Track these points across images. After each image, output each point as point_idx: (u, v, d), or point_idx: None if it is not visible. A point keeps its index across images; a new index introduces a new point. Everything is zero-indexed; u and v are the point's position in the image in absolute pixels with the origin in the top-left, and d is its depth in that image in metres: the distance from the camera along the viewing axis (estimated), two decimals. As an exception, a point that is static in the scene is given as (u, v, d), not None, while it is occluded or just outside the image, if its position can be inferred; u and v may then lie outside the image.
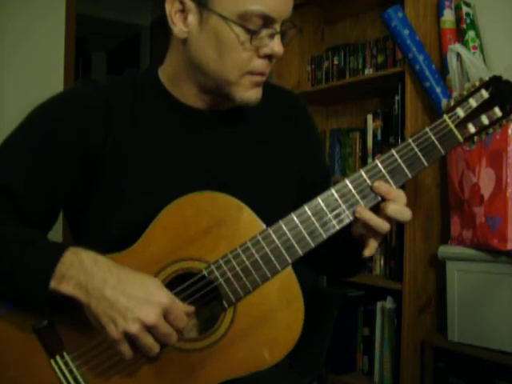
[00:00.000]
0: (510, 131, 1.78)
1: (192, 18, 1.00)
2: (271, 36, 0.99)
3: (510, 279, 1.83)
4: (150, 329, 0.88)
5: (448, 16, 2.15)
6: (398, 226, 2.27)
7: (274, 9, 0.97)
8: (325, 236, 0.97)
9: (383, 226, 0.99)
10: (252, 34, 0.97)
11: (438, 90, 2.06)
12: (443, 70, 2.11)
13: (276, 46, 0.99)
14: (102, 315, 0.88)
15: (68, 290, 0.90)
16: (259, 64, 1.01)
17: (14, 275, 0.92)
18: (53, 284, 0.90)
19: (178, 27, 1.01)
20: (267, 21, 0.97)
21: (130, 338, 0.89)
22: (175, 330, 0.90)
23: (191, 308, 0.94)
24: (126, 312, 0.87)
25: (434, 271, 2.21)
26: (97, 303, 0.88)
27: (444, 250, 2.03)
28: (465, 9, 2.13)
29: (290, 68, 2.86)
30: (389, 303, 2.34)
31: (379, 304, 2.37)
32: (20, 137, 1.04)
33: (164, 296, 0.90)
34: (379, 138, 2.50)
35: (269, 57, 1.01)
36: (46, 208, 1.04)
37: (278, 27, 0.99)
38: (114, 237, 1.00)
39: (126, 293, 0.89)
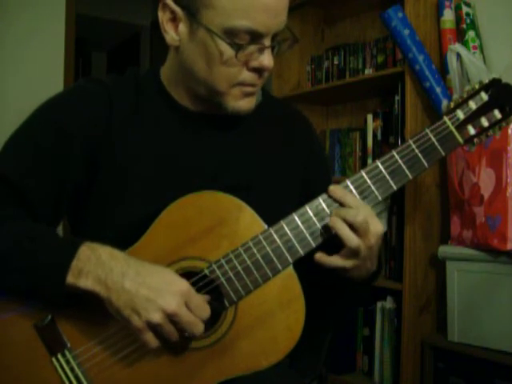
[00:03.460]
0: (510, 131, 1.78)
1: (183, 28, 0.99)
2: (260, 50, 0.97)
3: (510, 279, 1.83)
4: (171, 317, 0.89)
5: (448, 16, 2.15)
6: (398, 226, 2.27)
7: (263, 24, 0.95)
8: (326, 236, 0.98)
9: (350, 238, 0.95)
10: (237, 49, 0.95)
11: (438, 90, 2.06)
12: (443, 70, 2.12)
13: (266, 60, 0.98)
14: (123, 308, 0.89)
15: (87, 284, 0.90)
16: (248, 76, 1.00)
17: (28, 271, 0.92)
18: (70, 279, 0.91)
19: (169, 35, 1.01)
20: (255, 36, 0.95)
21: (153, 328, 0.90)
22: (199, 320, 0.91)
23: (205, 296, 0.95)
24: (148, 302, 0.89)
25: (434, 271, 2.21)
26: (117, 296, 0.89)
27: (444, 250, 2.03)
28: (465, 9, 2.13)
29: (289, 68, 2.87)
30: (389, 303, 2.34)
31: (379, 304, 2.37)
32: (26, 133, 1.04)
33: (182, 284, 0.91)
34: (379, 137, 2.50)
35: (259, 70, 1.00)
36: (53, 205, 1.04)
37: (267, 41, 0.97)
38: (116, 237, 1.00)
39: (146, 284, 0.90)
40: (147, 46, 4.79)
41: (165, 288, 0.90)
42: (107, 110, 1.04)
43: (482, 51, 2.13)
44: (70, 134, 1.02)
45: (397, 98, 2.31)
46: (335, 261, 0.98)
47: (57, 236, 0.99)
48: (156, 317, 0.88)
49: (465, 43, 2.10)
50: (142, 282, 0.90)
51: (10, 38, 2.69)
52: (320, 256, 0.98)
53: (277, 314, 0.97)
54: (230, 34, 0.95)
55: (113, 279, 0.90)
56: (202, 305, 0.92)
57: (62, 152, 1.02)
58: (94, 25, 4.62)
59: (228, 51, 0.96)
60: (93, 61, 5.75)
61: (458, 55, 1.97)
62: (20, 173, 1.00)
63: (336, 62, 2.75)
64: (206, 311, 0.92)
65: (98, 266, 0.91)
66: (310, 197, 1.00)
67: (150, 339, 0.91)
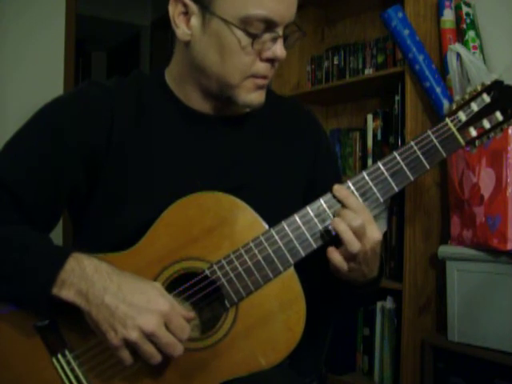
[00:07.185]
0: (510, 131, 1.78)
1: (195, 21, 1.00)
2: (273, 40, 0.99)
3: (510, 279, 1.83)
4: (149, 336, 0.88)
5: (448, 16, 2.15)
6: (398, 226, 2.27)
7: (277, 13, 0.96)
8: (327, 237, 0.98)
9: (352, 242, 0.94)
10: (254, 38, 0.96)
11: (438, 90, 2.06)
12: (443, 70, 2.12)
13: (278, 49, 0.99)
14: (102, 322, 0.89)
15: (69, 296, 0.90)
16: (261, 67, 1.01)
17: (15, 280, 0.92)
18: (54, 290, 0.90)
19: (180, 29, 1.01)
20: (269, 25, 0.97)
21: (131, 345, 0.89)
22: (179, 341, 0.90)
23: (191, 314, 0.94)
24: (126, 319, 0.88)
25: (434, 271, 2.21)
26: (97, 310, 0.89)
27: (444, 250, 2.03)
28: (465, 9, 2.13)
29: (289, 68, 2.87)
30: (389, 303, 2.34)
31: (379, 304, 2.37)
32: (25, 137, 1.04)
33: (164, 304, 0.90)
34: (379, 137, 2.50)
35: (271, 60, 1.01)
36: (48, 207, 1.04)
37: (280, 31, 0.99)
38: (118, 237, 1.00)
39: (126, 300, 0.89)
40: (147, 46, 4.79)
41: (145, 306, 0.89)
42: (109, 114, 1.04)
43: (482, 51, 2.13)
44: (69, 140, 1.02)
45: (397, 98, 2.31)
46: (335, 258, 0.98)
47: (47, 245, 0.98)
48: (133, 335, 0.87)
49: (465, 43, 2.10)
50: (123, 299, 0.89)
51: (10, 37, 2.68)
52: (332, 250, 0.97)
53: (277, 315, 0.97)
54: (245, 24, 0.96)
55: (94, 293, 0.89)
56: (182, 326, 0.90)
57: (60, 158, 1.02)
58: (94, 25, 4.61)
59: (244, 39, 0.97)
60: (93, 61, 5.75)
61: (458, 55, 1.97)
62: (17, 177, 1.00)
63: (336, 62, 2.75)
64: (185, 332, 0.91)
65: (82, 279, 0.90)
66: (316, 195, 1.00)
67: (125, 357, 0.90)
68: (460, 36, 2.14)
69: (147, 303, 0.89)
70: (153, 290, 0.91)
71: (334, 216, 0.97)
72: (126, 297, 0.89)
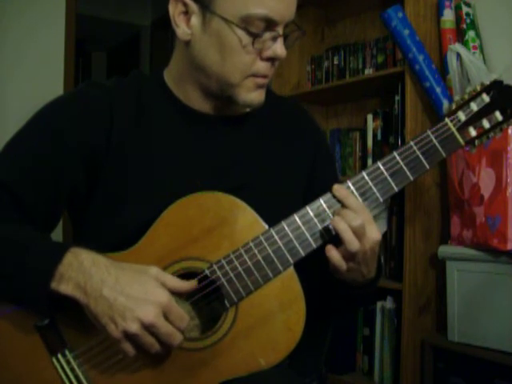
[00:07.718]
0: (510, 131, 1.78)
1: (195, 20, 1.00)
2: (274, 39, 0.99)
3: (510, 279, 1.84)
4: (149, 328, 0.89)
5: (448, 16, 2.15)
6: (398, 226, 2.27)
7: (277, 12, 0.97)
8: (327, 237, 0.98)
9: (352, 241, 0.94)
10: (254, 37, 0.97)
11: (438, 90, 2.06)
12: (443, 70, 2.12)
13: (278, 48, 1.00)
14: (101, 315, 0.89)
15: (67, 290, 0.90)
16: (262, 67, 1.01)
17: (15, 277, 0.92)
18: (53, 285, 0.90)
19: (181, 29, 1.02)
20: (270, 24, 0.98)
21: (130, 337, 0.89)
22: (178, 331, 0.91)
23: (183, 284, 0.94)
24: (125, 311, 0.88)
25: (434, 271, 2.21)
26: (95, 303, 0.89)
27: (444, 250, 2.03)
28: (465, 9, 2.13)
29: (289, 68, 2.87)
30: (389, 303, 2.34)
31: (379, 304, 2.37)
32: (25, 138, 1.04)
33: (162, 295, 0.90)
34: (379, 137, 2.50)
35: (271, 59, 1.01)
36: (48, 208, 1.04)
37: (280, 30, 0.99)
38: (117, 237, 1.00)
39: (125, 292, 0.89)
40: (147, 46, 4.79)
41: (143, 298, 0.89)
42: (108, 114, 1.04)
43: (482, 51, 2.13)
44: (69, 140, 1.02)
45: (397, 98, 2.31)
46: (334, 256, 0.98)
47: (46, 242, 0.98)
48: (133, 327, 0.88)
49: (465, 43, 2.10)
50: (121, 291, 0.89)
51: (10, 37, 2.68)
52: (330, 248, 0.97)
53: (277, 315, 0.97)
54: (246, 23, 0.96)
55: (92, 286, 0.89)
56: (181, 316, 0.91)
57: (60, 158, 1.02)
58: (94, 25, 4.62)
59: (245, 38, 0.97)
60: (93, 61, 5.75)
61: (458, 55, 1.97)
62: (17, 177, 1.00)
63: (336, 62, 2.75)
64: (184, 322, 0.91)
65: (79, 272, 0.90)
66: (315, 195, 1.00)
67: (128, 348, 0.90)
68: (460, 36, 2.14)
69: (145, 294, 0.89)
70: (151, 280, 0.91)
71: (333, 216, 0.97)
72: (124, 289, 0.89)
